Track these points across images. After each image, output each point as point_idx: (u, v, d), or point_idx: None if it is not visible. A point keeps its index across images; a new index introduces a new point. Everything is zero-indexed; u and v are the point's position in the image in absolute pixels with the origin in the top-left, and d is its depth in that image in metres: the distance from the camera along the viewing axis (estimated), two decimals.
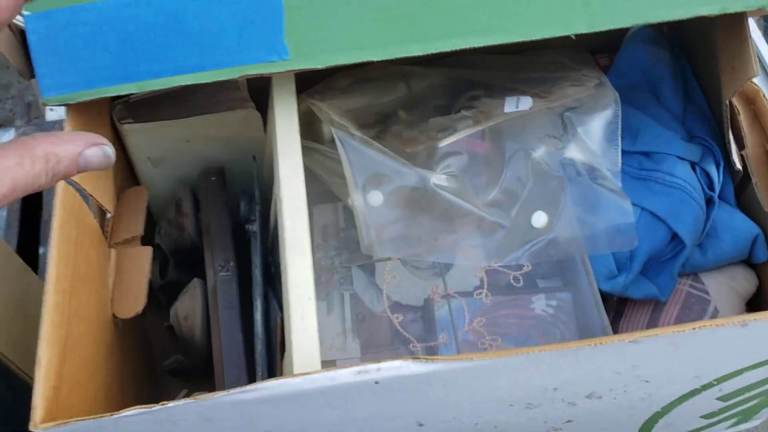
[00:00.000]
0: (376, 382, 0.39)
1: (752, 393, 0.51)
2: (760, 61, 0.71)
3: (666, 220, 0.57)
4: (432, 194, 0.51)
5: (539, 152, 0.51)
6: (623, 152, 0.60)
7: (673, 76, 0.63)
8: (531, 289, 0.56)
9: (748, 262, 0.62)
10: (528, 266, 0.55)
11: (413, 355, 0.38)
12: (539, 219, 0.49)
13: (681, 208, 0.57)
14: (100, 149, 0.31)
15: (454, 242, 0.52)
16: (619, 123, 0.51)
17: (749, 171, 0.54)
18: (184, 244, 0.60)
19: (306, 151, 0.58)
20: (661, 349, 0.41)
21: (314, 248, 0.62)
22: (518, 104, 0.52)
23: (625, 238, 0.48)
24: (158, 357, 0.69)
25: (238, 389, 0.37)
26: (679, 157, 0.59)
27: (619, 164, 0.49)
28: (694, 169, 0.60)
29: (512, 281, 0.54)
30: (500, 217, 0.51)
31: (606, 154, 0.50)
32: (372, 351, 0.57)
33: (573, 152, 0.50)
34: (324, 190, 0.64)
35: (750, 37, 0.51)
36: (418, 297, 0.59)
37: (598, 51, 0.70)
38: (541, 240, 0.50)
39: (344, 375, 0.38)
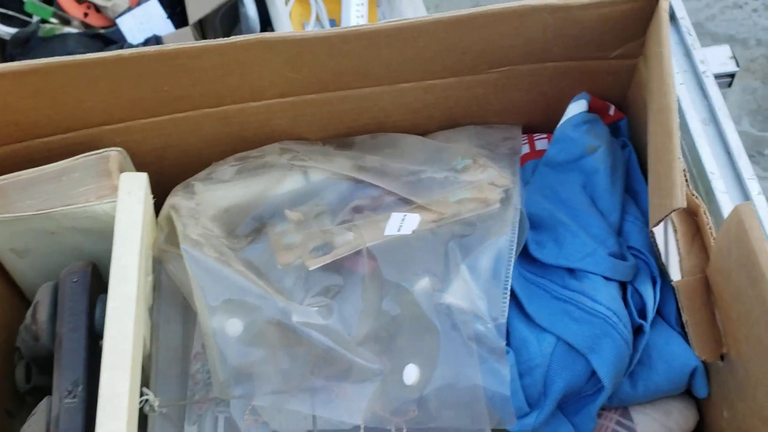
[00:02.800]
0: None
1: None
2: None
3: (584, 353, 0.49)
4: (297, 331, 0.44)
5: (416, 291, 0.43)
6: (547, 265, 0.52)
7: (611, 172, 0.55)
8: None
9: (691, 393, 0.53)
10: (415, 410, 0.47)
11: None
12: (410, 374, 0.41)
13: (602, 341, 0.49)
14: None
15: (325, 387, 0.44)
16: (512, 258, 0.43)
17: (680, 306, 0.46)
18: (41, 353, 0.53)
19: (172, 256, 0.51)
20: None
21: (192, 358, 0.55)
22: (401, 226, 0.44)
23: (501, 413, 0.39)
24: None
25: None
26: (605, 278, 0.51)
27: (505, 313, 0.41)
28: (625, 290, 0.52)
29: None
30: (373, 361, 0.43)
31: (491, 298, 0.42)
32: None
33: (452, 296, 0.42)
34: None
35: (678, 157, 0.42)
36: (299, 427, 0.51)
37: (539, 130, 0.61)
38: (410, 401, 0.42)
39: None
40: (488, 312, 0.41)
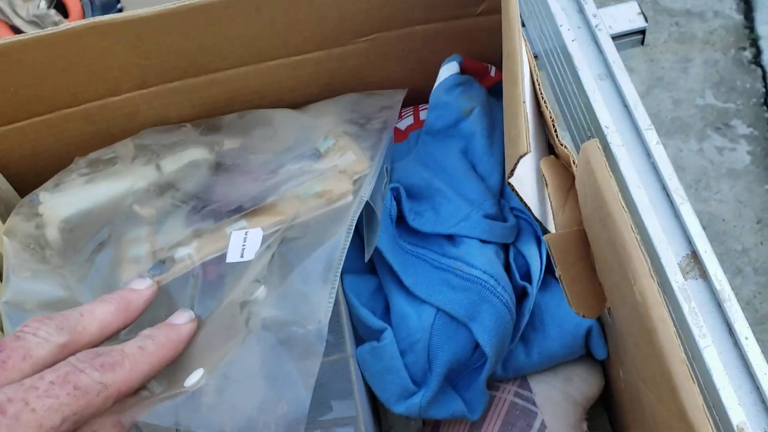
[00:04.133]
0: None
1: None
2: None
3: (465, 323, 0.46)
4: None
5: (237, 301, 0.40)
6: (427, 235, 0.49)
7: (488, 133, 0.52)
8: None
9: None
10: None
11: None
12: (193, 378, 0.37)
13: (481, 307, 0.46)
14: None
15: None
16: (342, 258, 0.40)
17: (552, 262, 0.43)
18: None
19: None
20: None
21: None
22: (244, 248, 0.42)
23: (294, 415, 0.36)
24: None
25: None
26: (482, 240, 0.48)
27: (328, 315, 0.38)
28: (507, 252, 0.49)
29: None
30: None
31: (318, 301, 0.38)
32: None
33: (268, 307, 0.39)
34: None
35: (522, 102, 0.40)
36: None
37: (424, 100, 0.59)
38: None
39: None
40: (311, 316, 0.38)
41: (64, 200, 0.48)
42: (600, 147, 0.38)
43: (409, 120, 0.57)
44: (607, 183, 0.37)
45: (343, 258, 0.41)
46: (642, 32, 0.76)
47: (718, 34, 1.75)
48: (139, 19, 0.46)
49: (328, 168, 0.46)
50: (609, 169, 0.37)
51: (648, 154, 0.58)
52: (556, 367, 0.50)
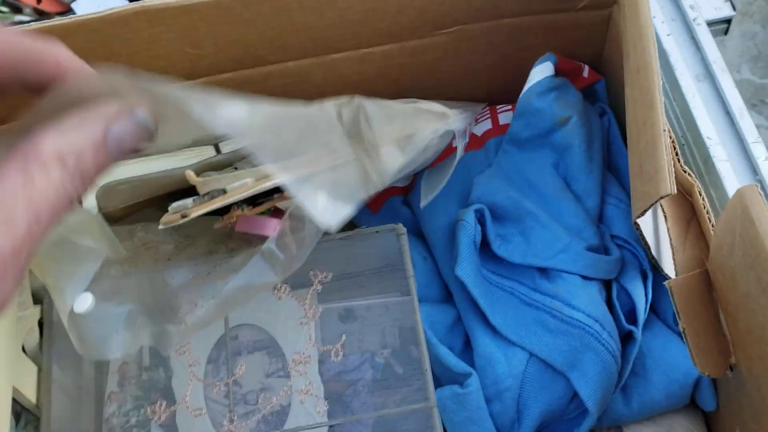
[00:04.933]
0: None
1: None
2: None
3: (563, 371, 0.40)
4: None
5: None
6: (513, 265, 0.43)
7: (586, 147, 0.45)
8: None
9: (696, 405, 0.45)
10: None
11: None
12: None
13: (583, 355, 0.40)
14: (129, 119, 0.23)
15: None
16: None
17: (675, 311, 0.37)
18: None
19: None
20: None
21: (107, 399, 0.46)
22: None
23: None
24: None
25: None
26: (583, 277, 0.42)
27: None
28: (610, 289, 0.43)
29: None
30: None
31: None
32: None
33: None
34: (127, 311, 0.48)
35: (662, 130, 0.33)
36: None
37: (503, 100, 0.52)
38: None
39: None
40: None
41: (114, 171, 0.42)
42: (762, 194, 0.31)
43: (486, 124, 0.50)
44: None
45: None
46: (728, 21, 0.69)
47: (758, 5, 1.67)
48: (196, 5, 0.39)
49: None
50: None
51: (755, 171, 0.51)
52: (655, 418, 0.44)
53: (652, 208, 0.40)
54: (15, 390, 0.38)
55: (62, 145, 0.22)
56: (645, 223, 0.39)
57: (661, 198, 0.32)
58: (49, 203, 0.22)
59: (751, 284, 0.32)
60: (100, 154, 0.23)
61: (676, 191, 0.32)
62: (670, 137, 0.39)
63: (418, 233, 0.48)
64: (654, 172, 0.33)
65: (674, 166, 0.39)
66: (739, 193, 0.32)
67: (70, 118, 0.22)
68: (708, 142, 0.51)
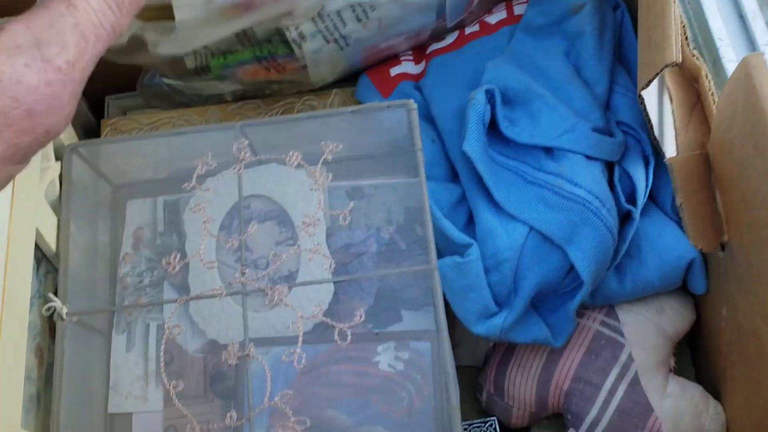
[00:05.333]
0: None
1: None
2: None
3: (561, 245, 0.42)
4: None
5: None
6: (521, 146, 0.45)
7: (598, 35, 0.46)
8: (374, 337, 0.42)
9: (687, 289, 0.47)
10: (362, 315, 0.41)
11: None
12: None
13: (581, 229, 0.41)
14: None
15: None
16: None
17: (674, 188, 0.39)
18: None
19: None
20: None
21: (121, 259, 0.48)
22: None
23: None
24: None
25: None
26: (587, 156, 0.43)
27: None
28: (612, 170, 0.44)
29: (338, 337, 0.40)
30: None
31: None
32: (181, 402, 0.45)
33: None
34: (144, 180, 0.50)
35: (674, 0, 0.34)
36: (237, 335, 0.45)
37: None
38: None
39: None
40: None
41: None
42: (766, 63, 0.32)
43: (501, 14, 0.51)
44: None
45: None
46: None
47: None
48: None
49: None
50: None
51: None
52: (646, 298, 0.46)
53: (658, 89, 0.41)
54: (38, 233, 0.40)
55: None
56: (650, 102, 0.41)
57: (666, 66, 0.33)
58: (92, 25, 0.25)
59: (748, 151, 0.33)
60: None
61: (681, 59, 0.33)
62: (682, 23, 0.40)
63: (428, 118, 0.49)
64: (661, 40, 0.34)
65: (682, 44, 0.39)
66: (744, 60, 0.33)
67: None
68: (719, 44, 0.51)
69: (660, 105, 0.42)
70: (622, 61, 0.48)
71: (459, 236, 0.43)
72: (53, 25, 0.25)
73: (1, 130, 0.24)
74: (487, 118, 0.44)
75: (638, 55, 0.38)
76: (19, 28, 0.25)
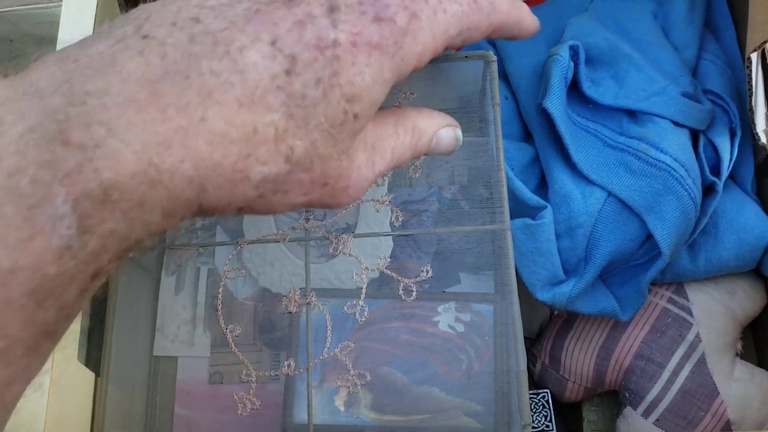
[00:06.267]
0: None
1: None
2: None
3: (640, 213, 0.40)
4: None
5: None
6: (602, 107, 0.42)
7: None
8: (438, 295, 0.41)
9: (759, 273, 0.45)
10: (428, 271, 0.39)
11: None
12: None
13: (663, 198, 0.39)
14: (453, 131, 0.29)
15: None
16: None
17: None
18: None
19: None
20: None
21: None
22: None
23: None
24: None
25: None
26: (674, 122, 0.41)
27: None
28: (696, 139, 0.42)
29: (403, 292, 0.39)
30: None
31: None
32: (228, 349, 0.43)
33: None
34: None
35: None
36: (292, 284, 0.44)
37: None
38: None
39: None
40: None
41: None
42: None
43: None
44: None
45: None
46: None
47: None
48: None
49: None
50: None
51: None
52: (717, 278, 0.44)
53: (759, 59, 0.39)
54: None
55: (417, 122, 0.27)
56: (754, 68, 0.38)
57: None
58: (399, 155, 0.26)
59: None
60: (428, 142, 0.28)
61: None
62: None
63: (501, 74, 0.47)
64: None
65: None
66: None
67: (426, 109, 0.28)
68: None
69: (756, 75, 0.40)
70: (710, 29, 0.46)
71: (532, 198, 0.41)
72: (379, 139, 0.26)
73: None
74: (570, 75, 0.42)
75: (750, 15, 0.36)
76: None
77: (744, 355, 0.46)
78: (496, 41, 0.48)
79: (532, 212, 0.41)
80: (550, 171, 0.42)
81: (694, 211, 0.40)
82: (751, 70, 0.36)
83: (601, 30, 0.44)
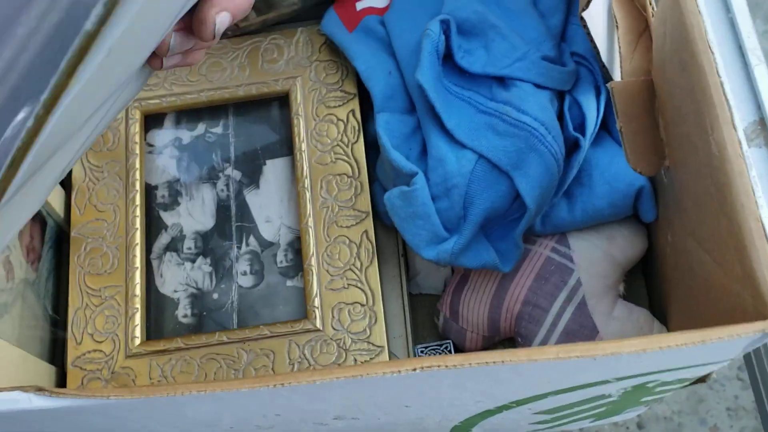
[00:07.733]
0: None
1: (578, 409, 0.39)
2: None
3: (508, 171, 0.43)
4: None
5: None
6: (475, 76, 0.46)
7: None
8: None
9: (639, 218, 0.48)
10: None
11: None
12: None
13: (527, 156, 0.43)
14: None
15: None
16: None
17: (615, 112, 0.39)
18: None
19: None
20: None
21: None
22: None
23: None
24: None
25: None
26: (536, 85, 0.44)
27: None
28: (562, 99, 0.45)
29: None
30: None
31: None
32: None
33: None
34: None
35: None
36: None
37: None
38: None
39: None
40: None
41: None
42: None
43: None
44: (695, 19, 0.32)
45: None
46: None
47: None
48: None
49: None
50: (699, 5, 0.32)
51: (727, 8, 0.52)
52: (598, 226, 0.47)
53: (609, 18, 0.42)
54: None
55: None
56: (595, 28, 0.41)
57: None
58: None
59: (674, 67, 0.34)
60: None
61: None
62: None
63: (389, 51, 0.50)
64: None
65: None
66: None
67: None
68: None
69: (609, 33, 0.43)
70: None
71: (405, 165, 0.45)
72: None
73: None
74: (441, 48, 0.45)
75: None
76: None
77: (637, 301, 0.49)
78: (386, 18, 0.51)
79: (408, 180, 0.45)
80: (429, 138, 0.45)
81: (556, 166, 0.43)
82: (588, 30, 0.39)
83: (473, 3, 0.47)
